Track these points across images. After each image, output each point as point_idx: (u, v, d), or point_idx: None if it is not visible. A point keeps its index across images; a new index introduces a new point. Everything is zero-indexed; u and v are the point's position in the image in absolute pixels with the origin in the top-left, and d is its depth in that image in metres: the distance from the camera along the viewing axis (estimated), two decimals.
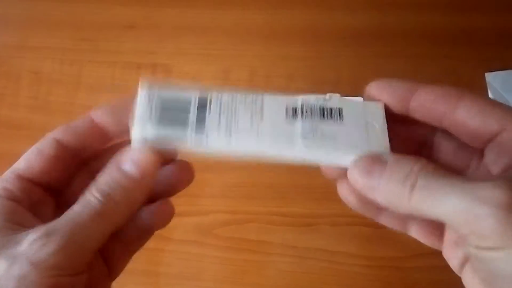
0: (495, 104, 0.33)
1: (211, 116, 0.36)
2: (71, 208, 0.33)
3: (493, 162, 0.35)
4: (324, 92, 0.65)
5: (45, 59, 0.75)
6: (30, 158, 0.37)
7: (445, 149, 0.38)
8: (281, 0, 0.72)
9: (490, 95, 0.66)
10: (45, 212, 0.37)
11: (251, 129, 0.36)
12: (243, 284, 0.64)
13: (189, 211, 0.67)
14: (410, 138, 0.38)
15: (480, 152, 0.35)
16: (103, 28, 0.74)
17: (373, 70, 0.68)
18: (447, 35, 0.68)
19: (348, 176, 0.34)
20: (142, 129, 0.35)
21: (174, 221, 0.65)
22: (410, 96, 0.35)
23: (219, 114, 0.36)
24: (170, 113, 0.36)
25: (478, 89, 0.66)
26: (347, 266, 0.63)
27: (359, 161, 0.34)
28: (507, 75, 0.66)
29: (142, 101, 0.36)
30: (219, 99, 0.37)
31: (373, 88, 0.38)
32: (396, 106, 0.36)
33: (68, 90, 0.73)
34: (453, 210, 0.29)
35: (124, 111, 0.37)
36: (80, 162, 0.39)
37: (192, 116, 0.36)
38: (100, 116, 0.38)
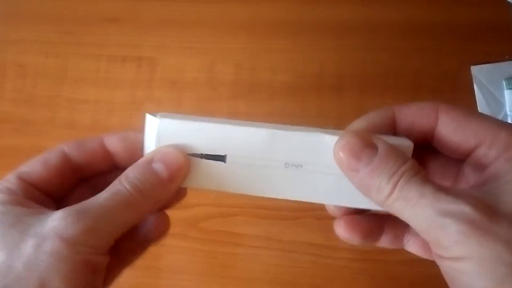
0: (471, 117, 0.34)
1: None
2: (98, 194, 0.34)
3: (470, 175, 0.37)
4: (309, 85, 0.65)
5: (30, 52, 0.74)
6: (34, 165, 0.38)
7: (433, 164, 0.39)
8: None
9: (475, 88, 0.66)
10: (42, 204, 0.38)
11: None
12: (228, 277, 0.65)
13: None
14: None
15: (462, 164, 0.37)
16: (87, 21, 0.74)
17: (357, 64, 0.68)
18: (432, 28, 0.68)
19: (334, 150, 0.34)
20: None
21: None
22: (392, 122, 0.37)
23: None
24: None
25: (463, 83, 0.66)
26: (332, 259, 0.63)
27: (350, 140, 0.34)
28: (493, 68, 0.66)
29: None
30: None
31: (356, 126, 0.38)
32: (384, 130, 0.37)
33: (53, 83, 0.73)
34: (420, 216, 0.31)
35: (136, 141, 0.38)
36: (82, 177, 0.40)
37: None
38: (111, 140, 0.39)
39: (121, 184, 0.35)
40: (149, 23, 0.73)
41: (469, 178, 0.37)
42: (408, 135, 0.37)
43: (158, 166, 0.36)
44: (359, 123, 0.37)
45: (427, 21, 0.68)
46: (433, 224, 0.30)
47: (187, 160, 0.37)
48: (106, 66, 0.72)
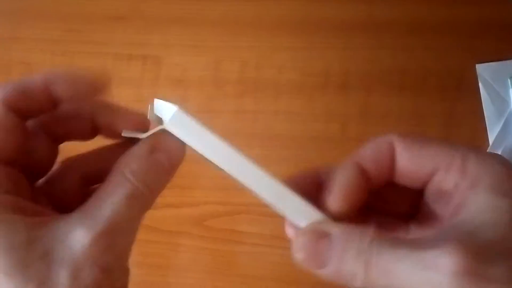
0: (426, 143, 0.34)
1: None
2: (110, 197, 0.31)
3: (434, 202, 0.35)
4: (314, 83, 0.65)
5: (36, 50, 0.75)
6: None
7: (392, 196, 0.37)
8: None
9: (480, 86, 0.66)
10: (27, 193, 0.33)
11: None
12: (234, 275, 0.65)
13: (180, 202, 0.67)
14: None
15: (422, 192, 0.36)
16: (92, 20, 0.74)
17: (363, 62, 0.68)
18: (437, 26, 0.68)
19: (293, 253, 0.33)
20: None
21: (165, 212, 0.66)
22: (363, 176, 0.34)
23: None
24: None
25: (468, 81, 0.66)
26: None
27: (301, 240, 0.32)
28: (498, 66, 0.66)
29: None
30: None
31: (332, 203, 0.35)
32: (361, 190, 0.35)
33: None
34: (412, 284, 0.29)
35: (82, 81, 0.34)
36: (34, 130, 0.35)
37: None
38: (58, 85, 0.33)
39: (132, 184, 0.31)
40: (154, 22, 0.73)
41: (432, 204, 0.35)
42: (382, 177, 0.35)
43: (161, 157, 0.33)
44: (334, 198, 0.34)
45: (432, 19, 0.68)
46: (428, 286, 0.28)
47: (183, 149, 0.34)
48: (111, 64, 0.72)
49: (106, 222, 0.30)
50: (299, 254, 0.32)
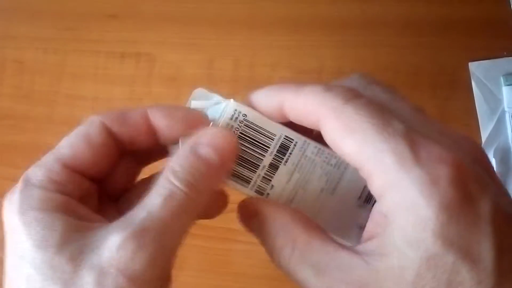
0: (349, 132, 0.29)
1: (286, 168, 0.33)
2: (147, 199, 0.29)
3: None
4: (308, 80, 0.65)
5: (28, 48, 0.74)
6: (77, 145, 0.32)
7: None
8: None
9: (473, 84, 0.66)
10: (92, 204, 0.33)
11: (316, 201, 0.34)
12: (228, 274, 0.65)
13: None
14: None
15: None
16: (85, 17, 0.74)
17: (356, 60, 0.68)
18: (429, 24, 0.68)
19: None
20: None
21: None
22: (281, 106, 0.33)
23: (294, 170, 0.33)
24: (247, 143, 0.33)
25: (461, 79, 0.66)
26: None
27: (239, 210, 0.34)
28: (491, 64, 0.66)
29: (225, 112, 0.33)
30: (302, 150, 0.34)
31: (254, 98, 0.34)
32: (276, 117, 0.34)
33: (52, 79, 0.73)
34: None
35: (181, 117, 0.34)
36: (123, 153, 0.35)
37: (268, 158, 0.33)
38: (157, 114, 0.34)
39: (171, 183, 0.29)
40: (148, 19, 0.73)
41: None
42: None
43: (206, 151, 0.31)
44: (249, 98, 0.34)
45: (425, 17, 0.68)
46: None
47: (236, 140, 0.32)
48: (104, 62, 0.72)
49: (137, 224, 0.28)
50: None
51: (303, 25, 0.70)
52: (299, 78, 0.68)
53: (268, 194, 0.34)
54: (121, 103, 0.70)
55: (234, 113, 0.32)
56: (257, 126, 0.33)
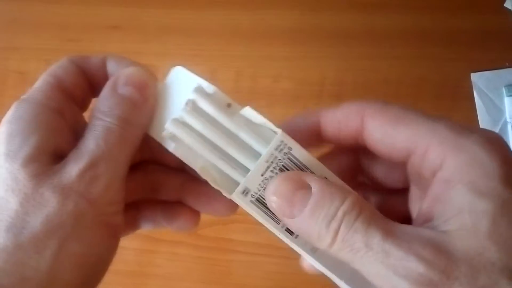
0: (400, 121, 0.30)
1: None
2: (87, 137, 0.31)
3: (415, 185, 0.33)
4: (310, 92, 0.65)
5: (31, 60, 0.75)
6: (56, 72, 0.34)
7: (375, 169, 0.36)
8: (266, 1, 0.72)
9: (475, 95, 0.66)
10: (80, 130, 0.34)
11: None
12: (229, 285, 0.65)
13: None
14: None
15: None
16: (88, 29, 0.74)
17: (358, 71, 0.68)
18: (432, 36, 0.68)
19: (266, 196, 0.31)
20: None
21: None
22: (317, 128, 0.33)
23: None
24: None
25: (463, 90, 0.66)
26: None
27: (279, 183, 0.30)
28: (493, 75, 0.67)
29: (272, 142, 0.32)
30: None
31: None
32: (308, 137, 0.34)
33: None
34: (371, 273, 0.27)
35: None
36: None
37: None
38: (111, 61, 0.36)
39: (103, 120, 0.32)
40: (150, 31, 0.73)
41: (414, 191, 0.33)
42: (336, 143, 0.34)
43: (125, 90, 0.33)
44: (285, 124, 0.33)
45: (427, 28, 0.68)
46: (387, 283, 0.27)
47: (151, 77, 0.34)
48: None
49: (89, 156, 0.30)
50: (273, 196, 0.30)
51: (306, 36, 0.70)
52: (301, 89, 0.68)
53: (298, 235, 0.32)
54: None
55: (280, 144, 0.31)
56: (300, 162, 0.32)
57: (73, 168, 0.30)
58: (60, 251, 0.29)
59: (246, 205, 0.32)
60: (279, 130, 0.31)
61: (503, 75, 0.66)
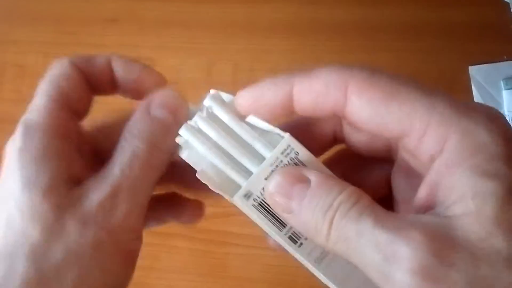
0: (393, 98, 0.26)
1: None
2: (116, 158, 0.31)
3: (401, 180, 0.31)
4: None
5: (29, 53, 0.74)
6: (60, 84, 0.33)
7: (357, 140, 0.32)
8: None
9: (473, 88, 0.66)
10: (84, 149, 0.34)
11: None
12: (227, 278, 0.65)
13: None
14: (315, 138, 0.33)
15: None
16: (85, 22, 0.74)
17: (356, 64, 0.68)
18: (430, 28, 0.68)
19: (265, 193, 0.30)
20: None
21: None
22: (288, 99, 0.30)
23: None
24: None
25: (461, 83, 0.66)
26: None
27: (277, 178, 0.29)
28: (491, 68, 0.67)
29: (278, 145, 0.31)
30: None
31: (242, 99, 0.32)
32: (278, 110, 0.31)
33: None
34: (365, 264, 0.26)
35: (138, 72, 0.35)
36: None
37: None
38: (117, 63, 0.35)
39: (132, 144, 0.31)
40: (148, 24, 0.73)
41: (400, 185, 0.31)
42: (309, 115, 0.31)
43: (158, 112, 0.32)
44: (247, 94, 0.31)
45: (425, 21, 0.68)
46: (381, 273, 0.25)
47: (184, 100, 0.34)
48: None
49: (112, 184, 0.30)
50: (271, 191, 0.29)
51: (303, 29, 0.70)
52: None
53: (302, 244, 0.31)
54: (122, 107, 0.70)
55: (287, 148, 0.30)
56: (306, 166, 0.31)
57: (94, 197, 0.30)
58: (80, 280, 0.29)
59: (248, 209, 0.31)
60: (286, 134, 0.30)
61: (501, 68, 0.66)
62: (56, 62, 0.34)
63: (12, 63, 0.75)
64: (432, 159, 0.26)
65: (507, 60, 0.67)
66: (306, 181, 0.28)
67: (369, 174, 0.34)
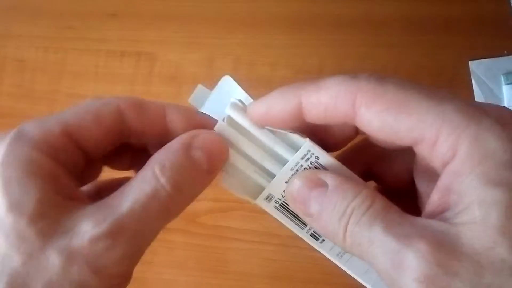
0: (402, 109, 0.26)
1: None
2: (130, 191, 0.28)
3: (422, 176, 0.31)
4: (307, 79, 0.64)
5: (29, 47, 0.74)
6: (84, 117, 0.30)
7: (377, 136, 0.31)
8: None
9: (473, 83, 0.66)
10: (78, 178, 0.31)
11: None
12: (227, 273, 0.65)
13: None
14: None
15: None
16: (86, 16, 0.74)
17: (356, 59, 0.68)
18: (430, 23, 0.68)
19: (286, 198, 0.31)
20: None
21: None
22: (298, 110, 0.29)
23: None
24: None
25: (461, 78, 0.66)
26: None
27: (295, 185, 0.30)
28: (491, 63, 0.66)
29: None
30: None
31: (255, 110, 0.31)
32: (289, 122, 0.31)
33: (52, 78, 0.73)
34: (377, 268, 0.26)
35: (199, 124, 0.32)
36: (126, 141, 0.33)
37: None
38: (175, 115, 0.33)
39: (157, 180, 0.28)
40: (148, 18, 0.73)
41: (421, 179, 0.31)
42: (324, 120, 0.30)
43: (198, 154, 0.29)
44: (257, 109, 0.31)
45: (425, 16, 0.68)
46: (388, 278, 0.26)
47: (228, 149, 0.31)
48: (105, 61, 0.72)
49: (115, 219, 0.27)
50: (291, 197, 0.30)
51: (303, 24, 0.70)
52: (299, 77, 0.68)
53: (323, 240, 0.32)
54: None
55: (307, 153, 0.31)
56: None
57: (87, 230, 0.26)
58: None
59: (271, 211, 0.32)
60: (306, 140, 0.31)
61: (501, 63, 0.66)
62: (106, 99, 0.31)
63: (12, 58, 0.75)
64: (445, 165, 0.26)
65: (507, 55, 0.66)
66: (323, 185, 0.29)
67: (392, 164, 0.34)
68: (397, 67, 0.67)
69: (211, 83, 0.68)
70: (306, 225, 0.32)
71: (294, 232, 0.33)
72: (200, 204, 0.66)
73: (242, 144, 0.32)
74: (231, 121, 0.33)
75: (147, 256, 0.65)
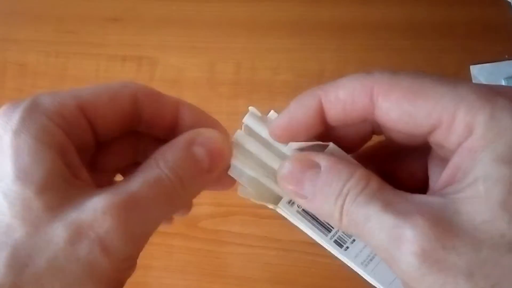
0: (418, 96, 0.27)
1: None
2: (137, 176, 0.28)
3: (435, 168, 0.31)
4: (309, 84, 0.64)
5: (30, 52, 0.75)
6: (100, 96, 0.30)
7: (393, 134, 0.31)
8: None
9: None
10: (85, 162, 0.31)
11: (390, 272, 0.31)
12: (228, 277, 0.65)
13: None
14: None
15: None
16: (87, 21, 0.74)
17: (357, 63, 0.68)
18: (431, 28, 0.68)
19: (278, 181, 0.31)
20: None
21: None
22: (320, 114, 0.30)
23: None
24: None
25: None
26: (331, 259, 0.62)
27: (288, 166, 0.30)
28: (492, 67, 0.66)
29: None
30: None
31: (277, 125, 0.32)
32: (312, 128, 0.31)
33: (53, 82, 0.73)
34: (374, 247, 0.27)
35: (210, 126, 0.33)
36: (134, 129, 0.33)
37: None
38: (188, 112, 0.34)
39: (160, 169, 0.28)
40: (149, 23, 0.73)
41: (435, 174, 0.31)
42: (342, 126, 0.31)
43: (199, 151, 0.30)
44: (280, 122, 0.31)
45: (426, 20, 0.68)
46: (387, 255, 0.26)
47: (230, 150, 0.32)
48: (106, 65, 0.72)
49: (126, 194, 0.27)
50: (283, 180, 0.30)
51: (304, 29, 0.70)
52: (300, 81, 0.68)
53: (348, 247, 0.32)
54: None
55: None
56: None
57: (98, 204, 0.26)
58: None
59: (293, 215, 0.32)
60: (330, 143, 0.31)
61: (502, 68, 0.66)
62: (125, 82, 0.32)
63: (14, 62, 0.75)
64: (460, 145, 0.26)
65: (508, 60, 0.66)
66: (316, 166, 0.29)
67: (406, 164, 0.34)
68: (398, 71, 0.67)
69: (212, 87, 0.68)
70: (330, 231, 0.31)
71: (315, 240, 0.32)
72: (200, 209, 0.66)
73: (260, 152, 0.32)
74: (248, 130, 0.33)
75: (147, 260, 0.65)
